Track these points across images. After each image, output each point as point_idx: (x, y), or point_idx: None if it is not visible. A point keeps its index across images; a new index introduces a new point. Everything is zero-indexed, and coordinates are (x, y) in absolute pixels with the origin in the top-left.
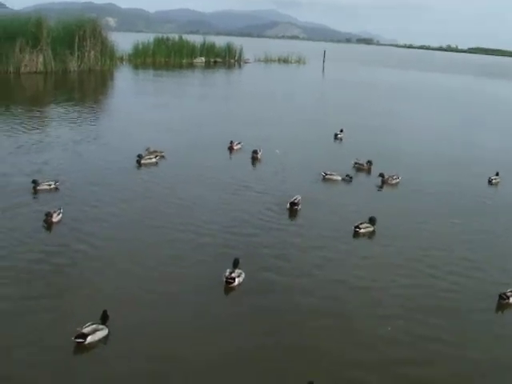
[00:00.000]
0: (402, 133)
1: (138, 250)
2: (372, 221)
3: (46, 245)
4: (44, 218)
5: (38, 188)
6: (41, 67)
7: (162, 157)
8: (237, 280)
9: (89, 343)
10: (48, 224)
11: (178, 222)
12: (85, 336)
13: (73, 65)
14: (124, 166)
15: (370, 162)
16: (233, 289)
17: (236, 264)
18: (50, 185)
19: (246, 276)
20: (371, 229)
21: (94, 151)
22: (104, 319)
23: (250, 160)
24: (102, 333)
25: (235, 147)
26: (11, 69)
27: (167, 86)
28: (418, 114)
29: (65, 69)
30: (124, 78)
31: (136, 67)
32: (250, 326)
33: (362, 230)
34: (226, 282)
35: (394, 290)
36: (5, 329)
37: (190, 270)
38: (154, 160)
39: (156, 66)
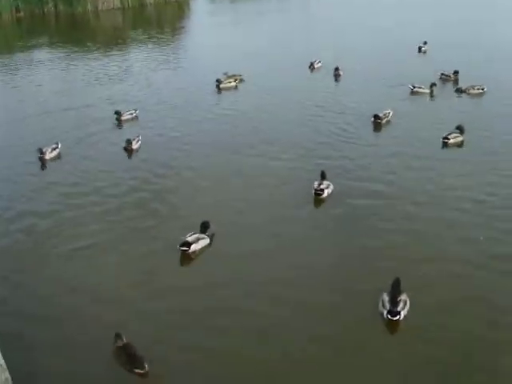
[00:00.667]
0: (492, 45)
1: (221, 172)
2: (460, 130)
3: (127, 170)
4: (124, 145)
5: (122, 118)
6: (118, 3)
7: (241, 80)
8: (326, 191)
9: (193, 251)
10: (128, 151)
11: (263, 142)
12: (189, 244)
13: None
14: (204, 92)
15: (456, 73)
16: (322, 200)
17: (324, 176)
18: (131, 113)
19: (334, 188)
20: (460, 138)
21: (174, 79)
22: (204, 229)
23: (332, 77)
24: (204, 241)
25: (316, 66)
26: (89, 7)
27: (243, 14)
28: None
29: (141, 3)
30: (200, 8)
31: None
32: (338, 231)
33: (451, 141)
34: (315, 193)
35: (485, 199)
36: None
37: (279, 184)
38: (233, 84)
39: None
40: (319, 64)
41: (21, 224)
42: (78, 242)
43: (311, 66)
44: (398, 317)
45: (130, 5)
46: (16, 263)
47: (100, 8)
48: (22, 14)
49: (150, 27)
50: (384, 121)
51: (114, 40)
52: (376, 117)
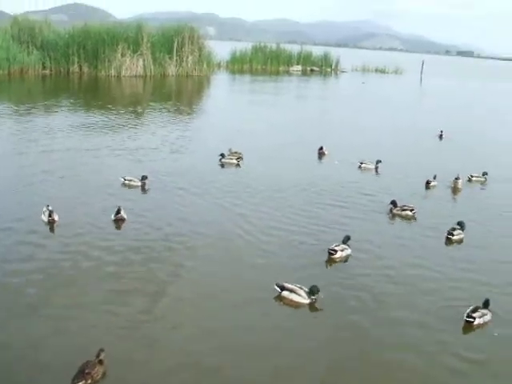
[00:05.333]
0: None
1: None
2: None
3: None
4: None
5: (127, 183)
6: (141, 71)
7: (241, 158)
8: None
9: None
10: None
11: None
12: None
13: (171, 69)
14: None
15: None
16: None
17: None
18: (135, 181)
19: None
20: None
21: (186, 152)
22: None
23: (333, 167)
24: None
25: (326, 152)
26: (113, 72)
27: (262, 93)
28: None
29: (163, 73)
30: (220, 83)
31: (233, 73)
32: None
33: None
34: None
35: None
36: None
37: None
38: (234, 161)
39: (253, 73)
40: (327, 151)
41: None
42: None
43: (320, 152)
44: None
45: (153, 73)
46: None
47: (123, 74)
48: (47, 71)
49: (170, 97)
50: None
51: (133, 106)
52: None
